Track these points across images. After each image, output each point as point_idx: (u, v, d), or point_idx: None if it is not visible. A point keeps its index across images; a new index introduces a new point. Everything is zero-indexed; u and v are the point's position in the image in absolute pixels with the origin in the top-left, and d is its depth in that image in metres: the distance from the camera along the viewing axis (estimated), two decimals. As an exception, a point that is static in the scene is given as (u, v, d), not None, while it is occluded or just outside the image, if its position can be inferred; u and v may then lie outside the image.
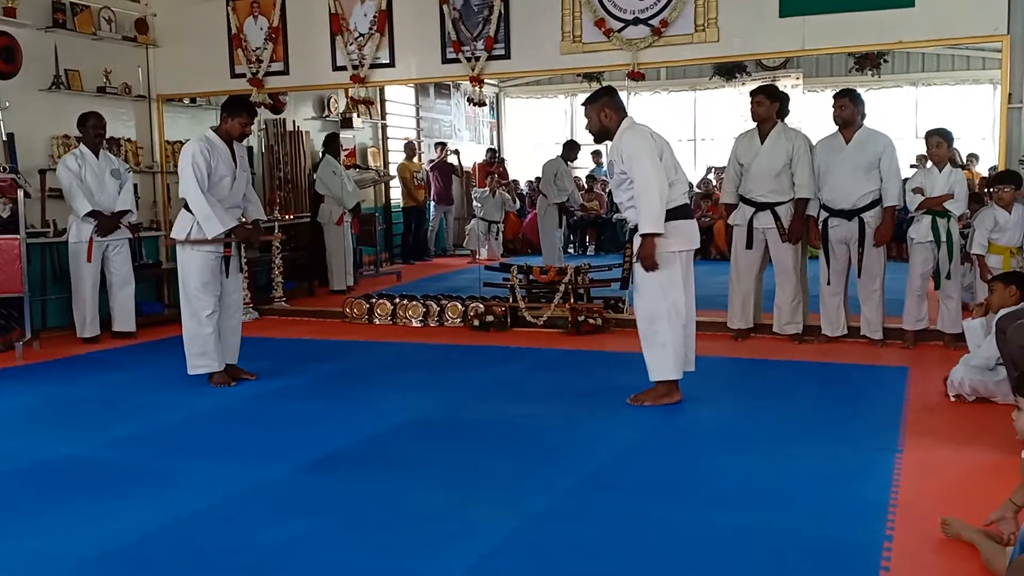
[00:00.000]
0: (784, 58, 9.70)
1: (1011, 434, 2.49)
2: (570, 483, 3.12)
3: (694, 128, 12.73)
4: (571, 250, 11.13)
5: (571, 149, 9.09)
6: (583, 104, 4.19)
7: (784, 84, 11.00)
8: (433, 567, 2.45)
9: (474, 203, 10.97)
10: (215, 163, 4.55)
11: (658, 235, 3.89)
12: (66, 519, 2.85)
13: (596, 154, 11.91)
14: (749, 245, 5.60)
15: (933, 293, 5.39)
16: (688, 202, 4.16)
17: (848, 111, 5.33)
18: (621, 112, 4.08)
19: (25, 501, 3.04)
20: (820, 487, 3.02)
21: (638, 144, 3.95)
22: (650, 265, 3.93)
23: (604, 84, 4.26)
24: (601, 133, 4.13)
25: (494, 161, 12.18)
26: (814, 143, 5.56)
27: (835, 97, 5.40)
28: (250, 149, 8.33)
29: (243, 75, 6.97)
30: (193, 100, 7.70)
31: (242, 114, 4.63)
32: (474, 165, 12.15)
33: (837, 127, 5.42)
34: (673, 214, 3.97)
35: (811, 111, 10.30)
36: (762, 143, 5.53)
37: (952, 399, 4.13)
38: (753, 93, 5.65)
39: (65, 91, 6.63)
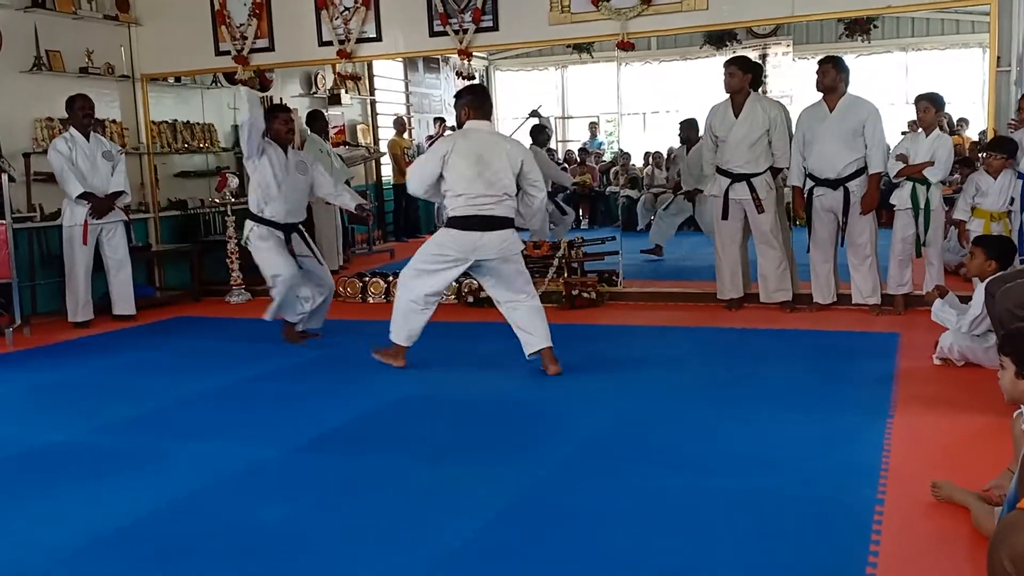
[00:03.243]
0: (774, 25, 9.62)
1: (1001, 398, 2.50)
2: (564, 454, 3.14)
3: (685, 99, 12.63)
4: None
5: (539, 133, 8.04)
6: (454, 97, 4.54)
7: (775, 52, 10.94)
8: (430, 540, 2.46)
9: None
10: (270, 161, 5.04)
11: None
12: (59, 503, 2.85)
13: (593, 125, 11.78)
14: (725, 216, 5.61)
15: (919, 258, 5.40)
16: (485, 214, 4.16)
17: (830, 77, 5.29)
18: (477, 113, 4.30)
19: (18, 487, 3.04)
20: (812, 452, 3.04)
21: (424, 156, 4.49)
22: None
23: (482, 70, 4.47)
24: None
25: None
26: (803, 110, 5.53)
27: (819, 63, 5.38)
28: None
29: (228, 52, 6.88)
30: (178, 79, 7.61)
31: (276, 115, 5.17)
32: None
33: (821, 95, 5.39)
34: (450, 223, 4.24)
35: (802, 78, 10.23)
36: (736, 115, 5.51)
37: (937, 363, 4.15)
38: (726, 64, 5.63)
39: (47, 72, 6.54)
